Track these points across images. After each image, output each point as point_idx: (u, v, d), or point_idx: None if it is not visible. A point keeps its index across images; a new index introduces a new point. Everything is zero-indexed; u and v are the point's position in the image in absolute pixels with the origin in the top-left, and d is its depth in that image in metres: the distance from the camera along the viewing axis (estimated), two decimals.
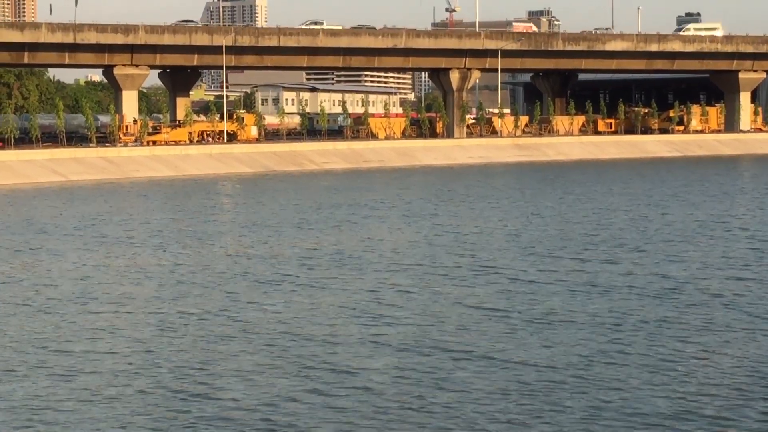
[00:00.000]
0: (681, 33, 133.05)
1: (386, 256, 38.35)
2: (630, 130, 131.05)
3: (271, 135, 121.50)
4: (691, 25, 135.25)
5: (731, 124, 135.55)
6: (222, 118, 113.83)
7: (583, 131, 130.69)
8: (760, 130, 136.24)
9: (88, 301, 30.16)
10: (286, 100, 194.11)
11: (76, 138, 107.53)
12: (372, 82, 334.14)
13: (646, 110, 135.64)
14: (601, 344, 23.93)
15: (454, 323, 26.37)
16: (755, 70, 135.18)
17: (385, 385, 20.79)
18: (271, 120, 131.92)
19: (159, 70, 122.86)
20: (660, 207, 57.13)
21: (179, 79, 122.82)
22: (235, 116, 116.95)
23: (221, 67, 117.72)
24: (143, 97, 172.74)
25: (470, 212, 55.61)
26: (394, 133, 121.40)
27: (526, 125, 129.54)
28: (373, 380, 21.15)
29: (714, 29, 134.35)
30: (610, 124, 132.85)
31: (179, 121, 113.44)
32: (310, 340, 24.59)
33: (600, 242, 41.66)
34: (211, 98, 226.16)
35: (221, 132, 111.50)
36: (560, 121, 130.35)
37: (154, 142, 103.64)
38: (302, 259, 37.88)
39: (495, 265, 35.90)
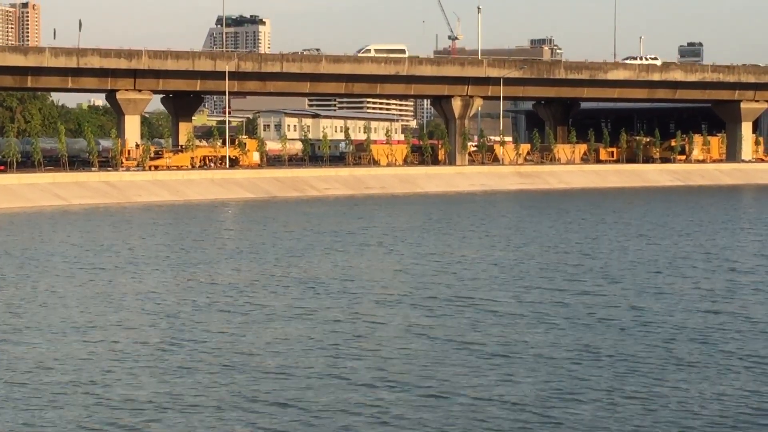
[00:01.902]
0: (360, 54, 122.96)
1: (361, 286, 37.72)
2: (632, 159, 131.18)
3: (272, 161, 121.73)
4: (372, 46, 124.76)
5: (733, 153, 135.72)
6: (224, 143, 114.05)
7: (584, 160, 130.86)
8: (762, 160, 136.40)
9: (56, 329, 29.51)
10: (288, 125, 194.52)
11: (78, 162, 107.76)
12: (374, 108, 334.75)
13: (648, 139, 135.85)
14: (567, 380, 23.27)
15: (420, 357, 25.69)
16: (757, 100, 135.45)
17: (340, 423, 20.16)
18: (272, 146, 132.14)
19: (162, 95, 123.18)
20: (647, 237, 56.46)
21: (182, 104, 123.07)
22: (237, 142, 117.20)
23: (224, 93, 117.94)
24: (145, 121, 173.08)
25: (458, 241, 54.85)
26: (396, 159, 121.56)
27: (528, 153, 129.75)
28: (327, 418, 20.51)
29: (400, 51, 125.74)
30: (612, 152, 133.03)
31: (181, 146, 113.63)
32: (267, 373, 23.93)
33: (581, 273, 40.83)
34: (214, 123, 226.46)
35: (223, 157, 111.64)
36: (562, 150, 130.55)
37: (156, 167, 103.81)
38: (277, 287, 37.29)
39: (470, 296, 35.13)
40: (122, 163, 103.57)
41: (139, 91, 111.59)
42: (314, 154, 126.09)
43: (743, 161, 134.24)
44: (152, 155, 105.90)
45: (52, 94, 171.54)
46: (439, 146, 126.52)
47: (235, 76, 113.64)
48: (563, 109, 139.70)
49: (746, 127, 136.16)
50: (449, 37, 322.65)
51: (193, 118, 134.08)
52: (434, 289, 36.80)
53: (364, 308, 32.99)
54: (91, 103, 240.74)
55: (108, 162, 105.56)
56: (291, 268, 42.87)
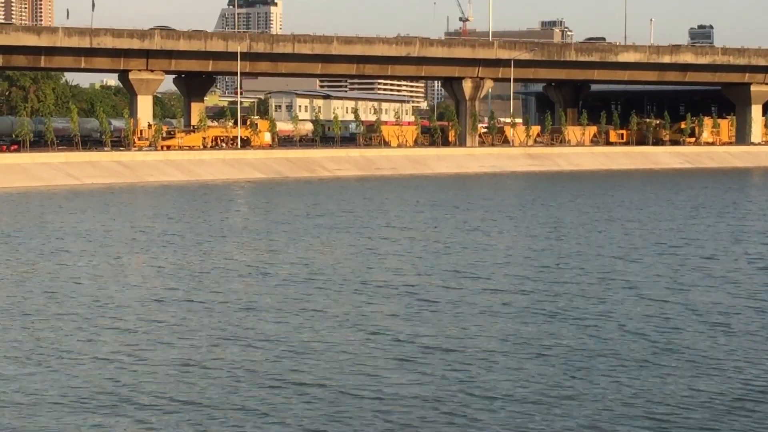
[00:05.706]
0: None
1: (307, 272, 36.45)
2: (641, 142, 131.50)
3: (283, 141, 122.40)
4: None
5: (742, 136, 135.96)
6: (236, 123, 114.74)
7: (594, 142, 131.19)
8: None
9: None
10: (300, 106, 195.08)
11: (90, 142, 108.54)
12: (385, 90, 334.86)
13: (658, 122, 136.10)
14: (494, 375, 22.36)
15: (334, 352, 24.38)
16: (767, 83, 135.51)
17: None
18: (283, 126, 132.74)
19: (174, 76, 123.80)
20: (625, 221, 55.57)
21: (194, 85, 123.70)
22: (248, 122, 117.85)
23: (236, 74, 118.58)
24: (158, 102, 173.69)
25: (434, 225, 53.90)
26: (406, 141, 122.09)
27: (538, 135, 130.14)
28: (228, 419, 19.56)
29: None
30: (622, 135, 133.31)
31: (193, 126, 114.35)
32: (171, 367, 23.08)
33: (544, 260, 39.46)
34: (225, 104, 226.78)
35: (235, 137, 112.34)
36: (572, 132, 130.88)
37: (168, 147, 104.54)
38: (223, 272, 36.55)
39: (413, 283, 33.79)
40: (134, 143, 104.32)
41: (152, 71, 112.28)
42: (325, 135, 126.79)
43: (753, 144, 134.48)
44: (164, 135, 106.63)
45: (65, 74, 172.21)
46: (450, 128, 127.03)
47: (247, 56, 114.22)
48: (573, 91, 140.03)
49: (756, 110, 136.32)
50: (460, 19, 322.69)
51: (205, 98, 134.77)
52: (376, 276, 35.53)
53: (291, 296, 31.69)
54: (104, 83, 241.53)
55: (120, 142, 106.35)
56: (251, 253, 41.80)
